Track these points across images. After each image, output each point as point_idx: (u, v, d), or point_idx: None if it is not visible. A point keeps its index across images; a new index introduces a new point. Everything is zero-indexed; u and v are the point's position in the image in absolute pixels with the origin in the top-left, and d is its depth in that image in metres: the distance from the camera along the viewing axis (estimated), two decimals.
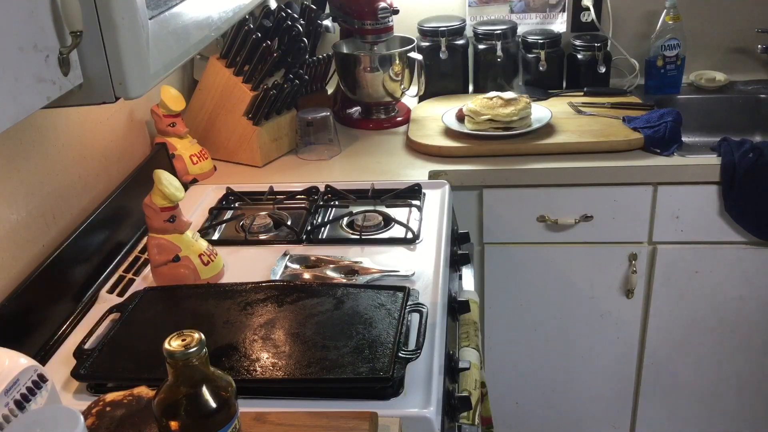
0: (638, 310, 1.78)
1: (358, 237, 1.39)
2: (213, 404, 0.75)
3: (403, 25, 1.98)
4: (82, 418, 0.70)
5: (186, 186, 1.60)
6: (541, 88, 1.98)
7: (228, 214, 1.52)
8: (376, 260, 1.30)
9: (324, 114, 1.75)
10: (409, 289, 1.13)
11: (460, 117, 1.79)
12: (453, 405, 1.08)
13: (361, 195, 1.54)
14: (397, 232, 1.40)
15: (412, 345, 1.02)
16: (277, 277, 1.25)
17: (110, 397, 0.90)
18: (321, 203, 1.52)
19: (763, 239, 1.64)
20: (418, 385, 0.99)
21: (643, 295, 1.76)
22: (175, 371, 0.73)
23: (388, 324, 1.05)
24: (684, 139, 1.70)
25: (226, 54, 1.68)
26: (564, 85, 2.04)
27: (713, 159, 1.61)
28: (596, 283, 1.76)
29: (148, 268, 1.30)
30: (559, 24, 2.05)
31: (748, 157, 1.57)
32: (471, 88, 2.07)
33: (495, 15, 2.07)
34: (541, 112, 1.79)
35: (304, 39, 1.72)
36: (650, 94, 1.98)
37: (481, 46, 1.99)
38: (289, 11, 1.71)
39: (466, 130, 1.74)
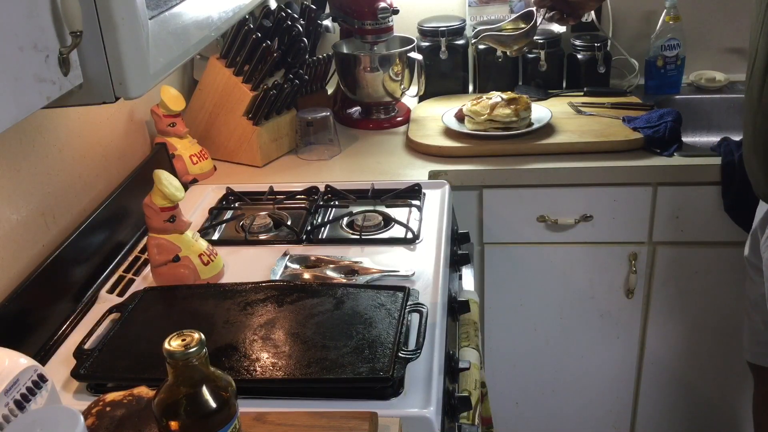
0: (638, 310, 1.78)
1: (358, 237, 1.39)
2: (213, 404, 0.75)
3: (403, 25, 1.98)
4: (82, 418, 0.70)
5: (186, 186, 1.60)
6: (541, 88, 1.98)
7: (228, 214, 1.52)
8: (376, 260, 1.30)
9: (324, 114, 1.75)
10: (409, 289, 1.13)
11: (460, 117, 1.79)
12: (453, 405, 1.08)
13: (361, 195, 1.54)
14: (397, 232, 1.40)
15: (412, 345, 1.02)
16: (277, 277, 1.26)
17: (110, 397, 0.90)
18: (321, 203, 1.52)
19: None
20: (418, 385, 0.99)
21: (643, 295, 1.77)
22: (175, 371, 0.73)
23: (388, 324, 1.05)
24: (684, 139, 1.70)
25: (226, 54, 1.68)
26: (564, 85, 2.04)
27: (713, 159, 1.61)
28: (596, 283, 1.76)
29: (148, 268, 1.30)
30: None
31: None
32: (471, 88, 2.07)
33: (495, 15, 2.07)
34: (541, 112, 1.79)
35: (304, 39, 1.72)
36: (650, 94, 1.98)
37: (481, 46, 1.99)
38: (289, 11, 1.71)
39: (466, 130, 1.74)
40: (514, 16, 1.82)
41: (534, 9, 1.72)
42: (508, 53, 1.85)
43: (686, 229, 1.68)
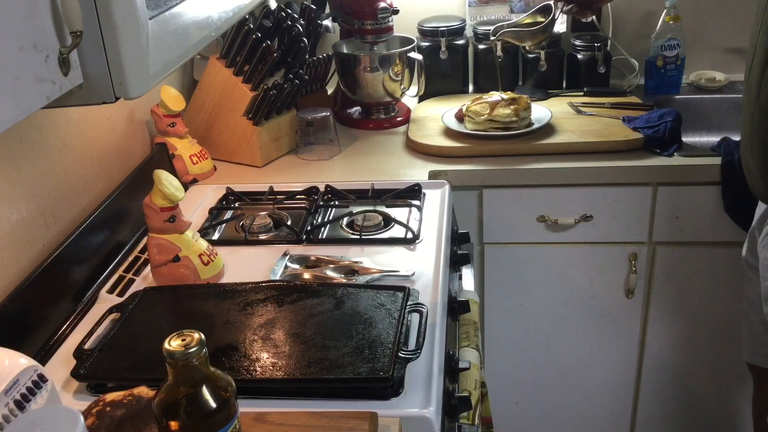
0: (638, 310, 1.78)
1: (358, 237, 1.39)
2: (213, 404, 0.75)
3: (403, 25, 1.98)
4: (82, 418, 0.70)
5: (186, 186, 1.60)
6: (541, 88, 1.98)
7: (228, 214, 1.52)
8: (376, 260, 1.30)
9: (324, 114, 1.75)
10: (409, 289, 1.13)
11: (460, 117, 1.79)
12: (453, 405, 1.08)
13: (361, 195, 1.54)
14: (397, 232, 1.40)
15: (412, 345, 1.02)
16: (277, 277, 1.26)
17: (110, 397, 0.90)
18: (321, 203, 1.52)
19: None
20: (418, 385, 0.99)
21: (643, 295, 1.76)
22: (175, 371, 0.73)
23: (388, 324, 1.05)
24: (684, 139, 1.70)
25: (226, 54, 1.68)
26: (564, 85, 2.04)
27: (713, 159, 1.61)
28: (596, 283, 1.76)
29: (148, 268, 1.30)
30: (559, 24, 2.04)
31: None
32: (471, 88, 2.07)
33: (495, 15, 2.07)
34: (541, 112, 1.79)
35: (304, 39, 1.72)
36: (650, 94, 1.98)
37: (481, 46, 1.99)
38: (289, 11, 1.71)
39: (466, 130, 1.74)
40: (532, 10, 1.82)
41: (552, 2, 1.71)
42: (526, 48, 1.85)
43: (686, 229, 1.68)
